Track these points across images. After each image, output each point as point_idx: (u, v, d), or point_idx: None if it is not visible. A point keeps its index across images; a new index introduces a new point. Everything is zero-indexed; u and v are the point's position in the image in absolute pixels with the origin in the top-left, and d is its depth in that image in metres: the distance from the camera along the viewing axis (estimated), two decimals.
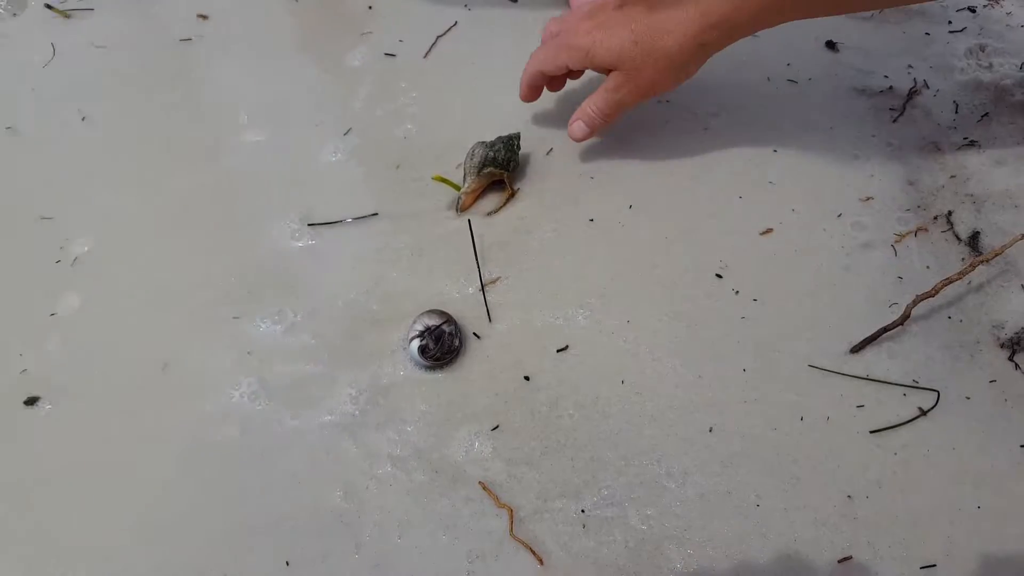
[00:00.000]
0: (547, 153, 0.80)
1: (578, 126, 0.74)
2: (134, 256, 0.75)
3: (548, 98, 0.83)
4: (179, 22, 0.98)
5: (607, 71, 0.70)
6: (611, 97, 0.71)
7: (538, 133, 0.82)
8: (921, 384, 0.62)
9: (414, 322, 0.67)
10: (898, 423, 0.61)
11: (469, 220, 0.74)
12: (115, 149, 0.85)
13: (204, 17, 0.98)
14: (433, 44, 0.93)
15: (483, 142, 0.76)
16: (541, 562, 0.57)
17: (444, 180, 0.75)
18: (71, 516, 0.61)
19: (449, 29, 0.94)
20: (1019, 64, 0.82)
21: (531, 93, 0.78)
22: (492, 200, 0.77)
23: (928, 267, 0.69)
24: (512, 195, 0.77)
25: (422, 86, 0.88)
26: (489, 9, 0.96)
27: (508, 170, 0.76)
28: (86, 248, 0.76)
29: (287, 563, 0.58)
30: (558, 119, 0.83)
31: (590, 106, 0.73)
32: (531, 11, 0.95)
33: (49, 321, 0.71)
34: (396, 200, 0.78)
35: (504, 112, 0.84)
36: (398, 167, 0.81)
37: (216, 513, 0.60)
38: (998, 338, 0.64)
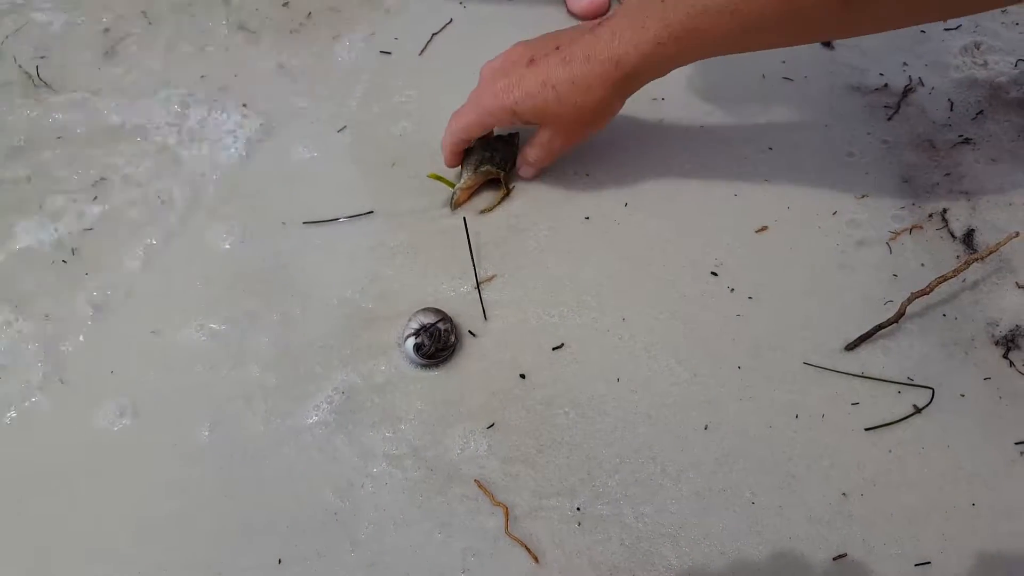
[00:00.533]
0: None
1: (525, 170, 0.77)
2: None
3: None
4: None
5: (535, 125, 0.71)
6: (544, 149, 0.73)
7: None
8: (916, 382, 0.63)
9: (409, 320, 0.67)
10: (893, 420, 0.61)
11: (464, 218, 0.74)
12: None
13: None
14: (429, 41, 0.93)
15: (481, 139, 0.76)
16: (536, 560, 0.57)
17: (439, 178, 0.75)
18: (69, 517, 0.61)
19: (444, 26, 0.94)
20: (1014, 62, 0.83)
21: (456, 160, 0.77)
22: (486, 197, 0.77)
23: (923, 265, 0.69)
24: (507, 194, 0.77)
25: (418, 84, 0.88)
26: (484, 6, 0.96)
27: (505, 170, 0.76)
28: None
29: (280, 561, 0.57)
30: None
31: (530, 155, 0.75)
32: (527, 8, 0.95)
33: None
34: (391, 198, 0.78)
35: None
36: (393, 165, 0.81)
37: (210, 512, 0.60)
38: (993, 336, 0.64)
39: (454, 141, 0.74)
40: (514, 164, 0.78)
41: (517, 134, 0.78)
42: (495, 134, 0.78)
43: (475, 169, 0.75)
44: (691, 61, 0.64)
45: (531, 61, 0.68)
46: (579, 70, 0.65)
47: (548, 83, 0.66)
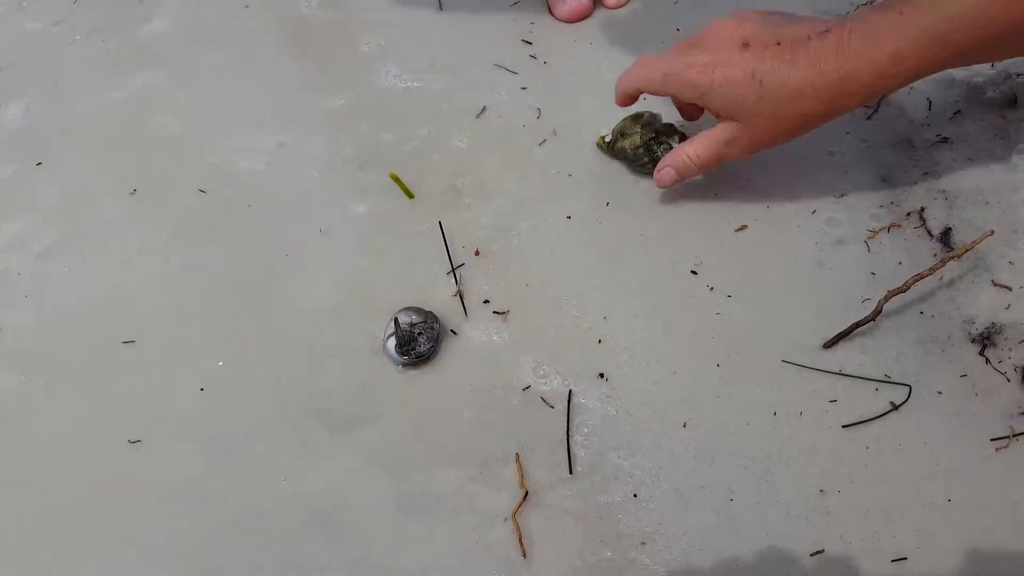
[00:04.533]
0: None
1: (667, 173, 0.69)
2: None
3: (514, 89, 0.83)
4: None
5: (718, 115, 0.65)
6: (721, 151, 0.66)
7: (518, 129, 0.82)
8: (893, 379, 0.63)
9: (391, 320, 0.67)
10: (870, 417, 0.61)
11: (440, 222, 0.74)
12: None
13: None
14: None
15: (660, 129, 0.74)
16: (524, 555, 0.57)
17: (398, 181, 0.76)
18: (59, 516, 0.61)
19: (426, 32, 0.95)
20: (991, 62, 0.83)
21: (627, 102, 0.72)
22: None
23: (900, 263, 0.69)
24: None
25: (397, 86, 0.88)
26: (466, 10, 0.96)
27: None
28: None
29: (262, 563, 0.57)
30: (530, 117, 0.83)
31: (689, 152, 0.67)
32: (507, 12, 0.96)
33: None
34: (373, 198, 0.78)
35: (464, 109, 0.85)
36: (361, 166, 0.81)
37: (189, 513, 0.60)
38: (969, 333, 0.65)
39: (626, 89, 0.70)
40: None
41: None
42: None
43: (630, 146, 0.74)
44: (926, 76, 0.58)
45: (745, 46, 0.61)
46: (798, 75, 0.58)
47: (756, 76, 0.60)
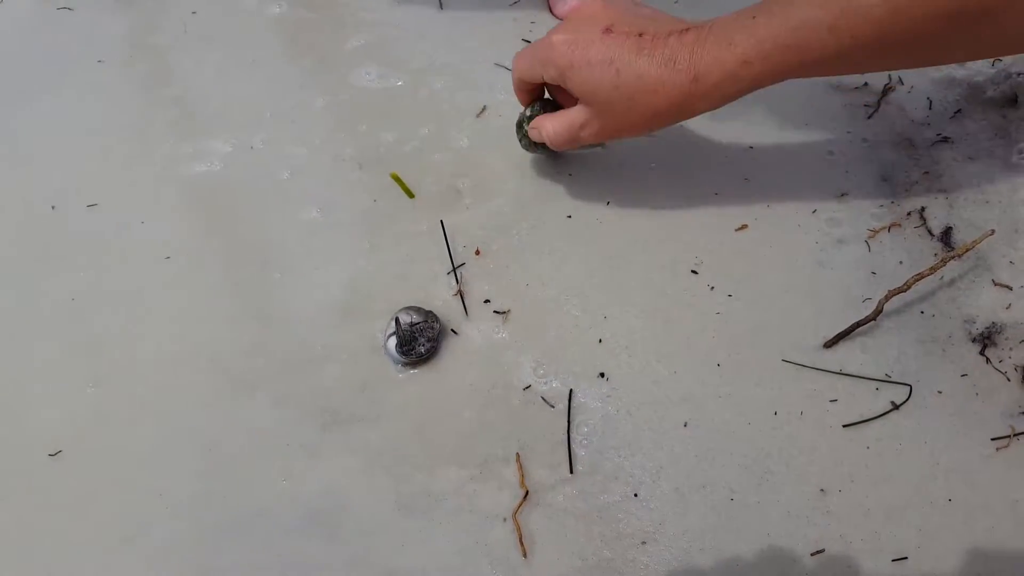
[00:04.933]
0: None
1: (535, 134, 0.71)
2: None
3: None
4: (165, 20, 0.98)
5: (577, 99, 0.65)
6: (575, 133, 0.66)
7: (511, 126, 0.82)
8: (893, 378, 0.63)
9: (391, 320, 0.67)
10: (871, 417, 0.61)
11: (441, 221, 0.74)
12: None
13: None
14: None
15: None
16: (525, 555, 0.57)
17: (398, 180, 0.75)
18: (52, 513, 0.61)
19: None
20: (991, 61, 0.83)
21: (523, 98, 0.73)
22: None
23: (901, 262, 0.69)
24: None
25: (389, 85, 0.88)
26: (466, 9, 0.96)
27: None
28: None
29: (262, 563, 0.57)
30: None
31: (547, 129, 0.68)
32: (507, 11, 0.96)
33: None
34: (373, 198, 0.78)
35: (464, 109, 0.85)
36: (368, 165, 0.81)
37: (187, 512, 0.60)
38: (969, 332, 0.65)
39: (514, 81, 0.71)
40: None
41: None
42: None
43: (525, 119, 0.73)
44: (777, 81, 0.59)
45: (608, 29, 0.61)
46: (654, 70, 0.59)
47: (615, 63, 0.60)
